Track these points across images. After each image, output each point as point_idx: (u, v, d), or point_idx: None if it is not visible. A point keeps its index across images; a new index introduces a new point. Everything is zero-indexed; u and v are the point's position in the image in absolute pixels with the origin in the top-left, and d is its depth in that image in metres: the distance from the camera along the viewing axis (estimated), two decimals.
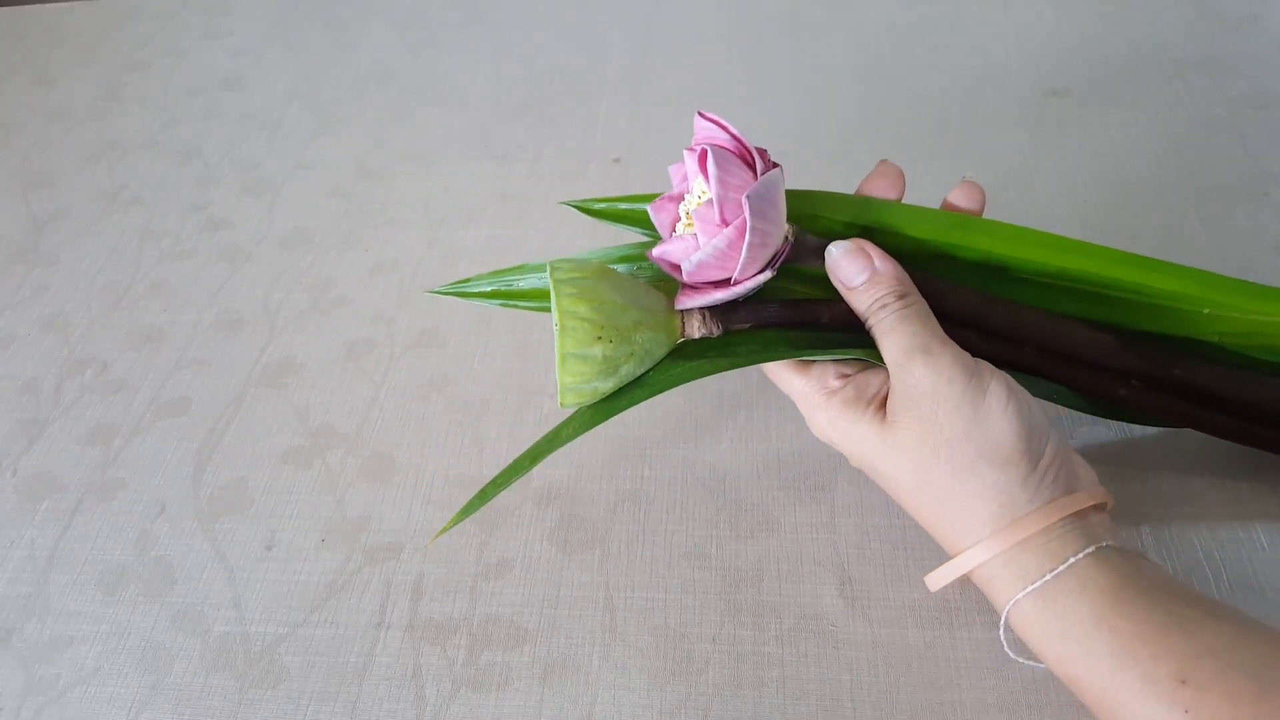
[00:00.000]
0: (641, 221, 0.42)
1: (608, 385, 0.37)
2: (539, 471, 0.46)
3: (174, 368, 0.53)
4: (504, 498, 0.45)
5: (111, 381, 0.53)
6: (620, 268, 0.43)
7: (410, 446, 0.48)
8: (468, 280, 0.45)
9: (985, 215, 0.39)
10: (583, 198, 0.44)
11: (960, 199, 0.39)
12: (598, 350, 0.35)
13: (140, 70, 0.79)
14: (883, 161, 0.39)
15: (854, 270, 0.36)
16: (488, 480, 0.43)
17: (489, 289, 0.45)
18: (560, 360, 0.35)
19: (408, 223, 0.61)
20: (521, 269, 0.44)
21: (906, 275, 0.36)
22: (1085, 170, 0.58)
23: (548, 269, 0.37)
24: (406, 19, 0.81)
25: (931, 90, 0.65)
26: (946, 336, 0.34)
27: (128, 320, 0.57)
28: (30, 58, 0.82)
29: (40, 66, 0.81)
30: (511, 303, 0.44)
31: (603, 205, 0.43)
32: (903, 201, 0.39)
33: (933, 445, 0.33)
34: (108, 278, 0.60)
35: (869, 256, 0.36)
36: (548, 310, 0.45)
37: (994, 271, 0.38)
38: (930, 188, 0.58)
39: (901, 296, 0.35)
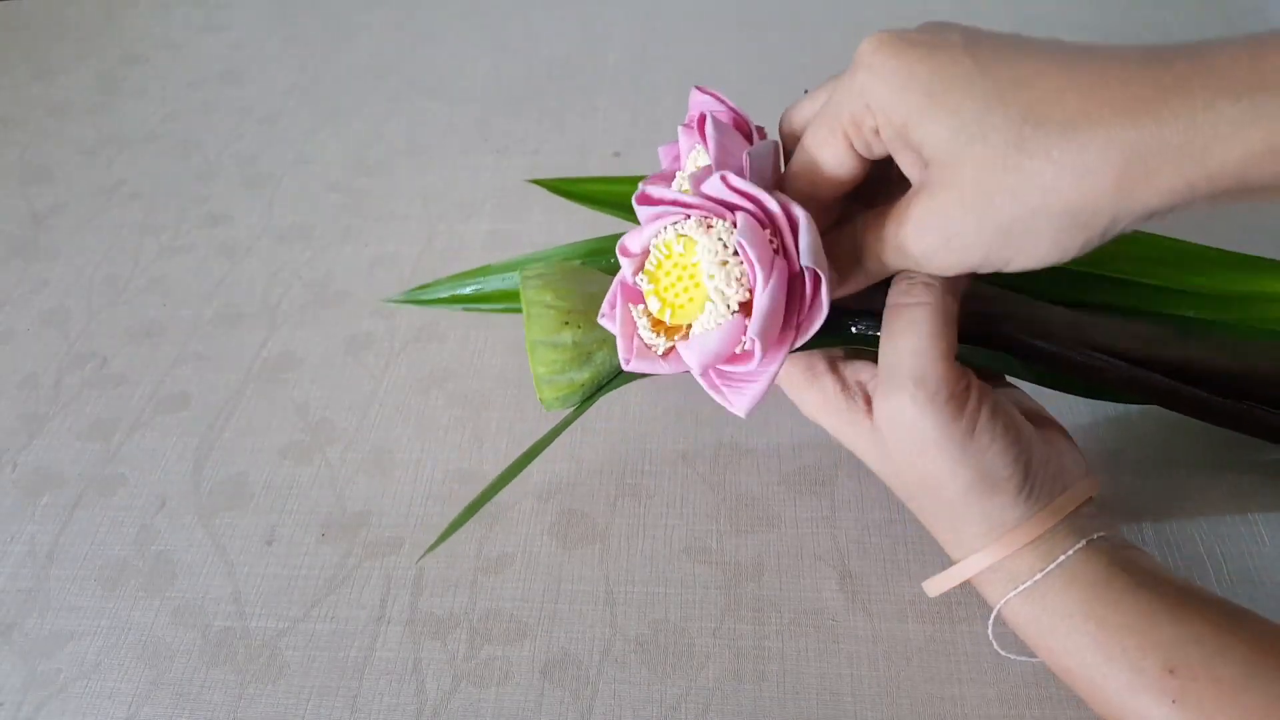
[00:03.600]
0: (614, 204, 0.42)
1: (584, 375, 0.36)
2: (539, 466, 0.46)
3: (174, 362, 0.53)
4: (504, 492, 0.45)
5: (111, 376, 0.53)
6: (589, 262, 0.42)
7: (410, 441, 0.48)
8: (426, 286, 0.44)
9: None
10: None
11: None
12: (567, 336, 0.34)
13: (139, 64, 0.79)
14: None
15: None
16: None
17: (447, 294, 0.44)
18: (530, 349, 0.34)
19: (407, 216, 0.61)
20: (485, 270, 0.44)
21: None
22: None
23: (518, 273, 0.37)
24: (405, 12, 0.80)
25: None
26: (952, 360, 0.31)
27: (127, 315, 0.57)
28: (29, 51, 0.82)
29: (39, 60, 0.80)
30: (474, 307, 0.44)
31: (574, 186, 0.42)
32: None
33: (919, 476, 0.33)
34: (107, 272, 0.60)
35: None
36: (514, 311, 0.44)
37: None
38: None
39: (928, 284, 0.32)
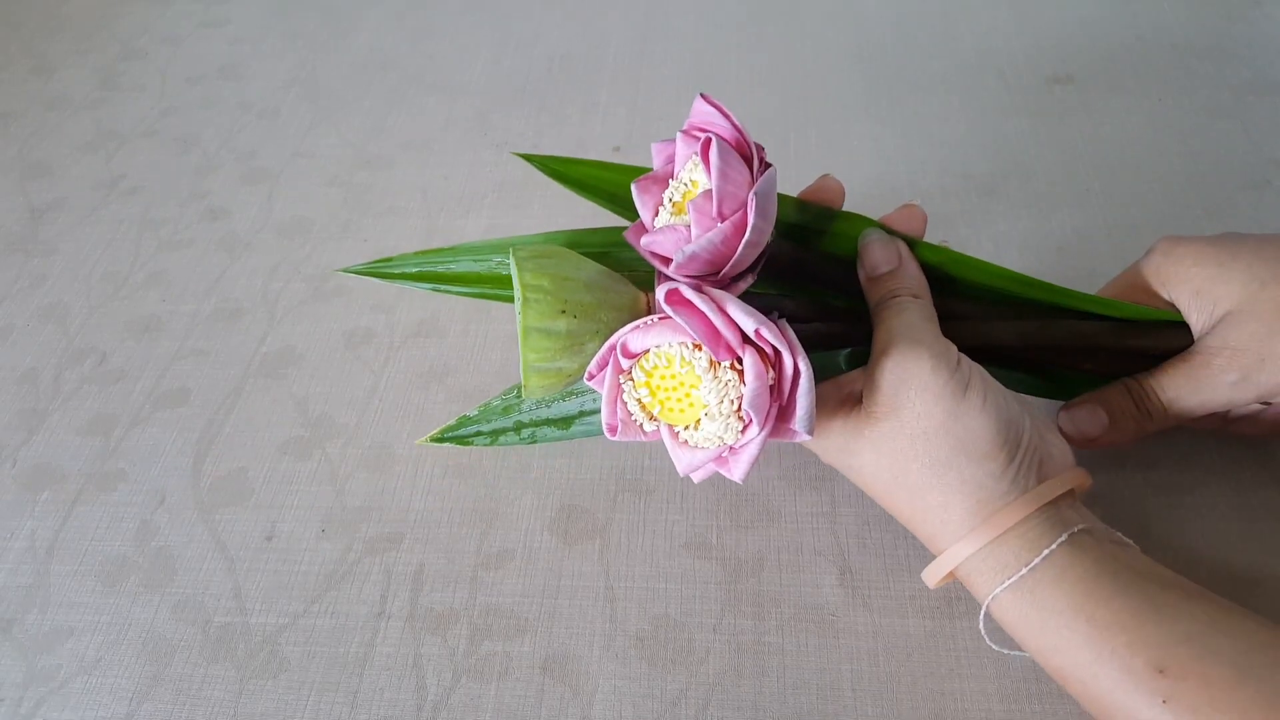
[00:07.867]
0: (605, 192, 0.41)
1: (573, 365, 0.35)
2: (539, 461, 0.46)
3: (173, 358, 0.53)
4: (505, 488, 0.45)
5: (111, 372, 0.53)
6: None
7: (410, 437, 0.48)
8: (389, 260, 0.43)
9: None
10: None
11: (899, 223, 0.39)
12: (562, 324, 0.34)
13: (138, 58, 0.78)
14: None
15: (883, 258, 0.37)
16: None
17: (414, 270, 0.43)
18: (523, 335, 0.34)
19: (407, 211, 0.61)
20: (455, 250, 0.42)
21: (926, 281, 0.37)
22: (1087, 158, 0.57)
23: (510, 253, 0.36)
24: (405, 6, 0.80)
25: (933, 78, 0.64)
26: (941, 335, 0.35)
27: (126, 310, 0.57)
28: (28, 46, 0.81)
29: (38, 55, 0.80)
30: (442, 287, 0.43)
31: (566, 167, 0.41)
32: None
33: (909, 437, 0.33)
34: (106, 268, 0.60)
35: (898, 252, 0.37)
36: (483, 297, 0.43)
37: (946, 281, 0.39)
38: (932, 176, 0.57)
39: (915, 295, 0.36)
